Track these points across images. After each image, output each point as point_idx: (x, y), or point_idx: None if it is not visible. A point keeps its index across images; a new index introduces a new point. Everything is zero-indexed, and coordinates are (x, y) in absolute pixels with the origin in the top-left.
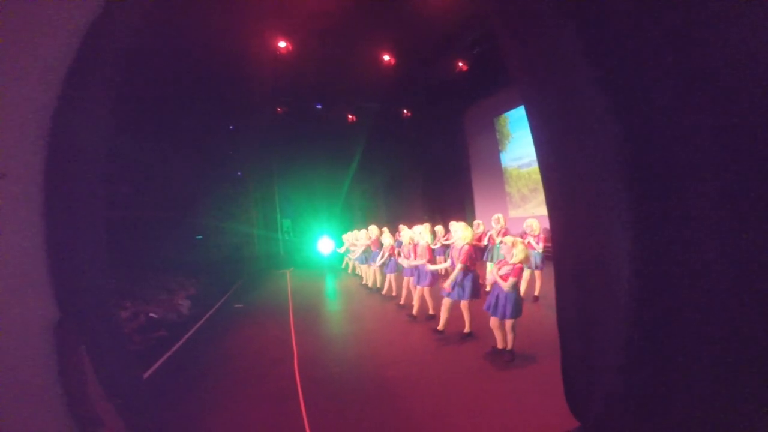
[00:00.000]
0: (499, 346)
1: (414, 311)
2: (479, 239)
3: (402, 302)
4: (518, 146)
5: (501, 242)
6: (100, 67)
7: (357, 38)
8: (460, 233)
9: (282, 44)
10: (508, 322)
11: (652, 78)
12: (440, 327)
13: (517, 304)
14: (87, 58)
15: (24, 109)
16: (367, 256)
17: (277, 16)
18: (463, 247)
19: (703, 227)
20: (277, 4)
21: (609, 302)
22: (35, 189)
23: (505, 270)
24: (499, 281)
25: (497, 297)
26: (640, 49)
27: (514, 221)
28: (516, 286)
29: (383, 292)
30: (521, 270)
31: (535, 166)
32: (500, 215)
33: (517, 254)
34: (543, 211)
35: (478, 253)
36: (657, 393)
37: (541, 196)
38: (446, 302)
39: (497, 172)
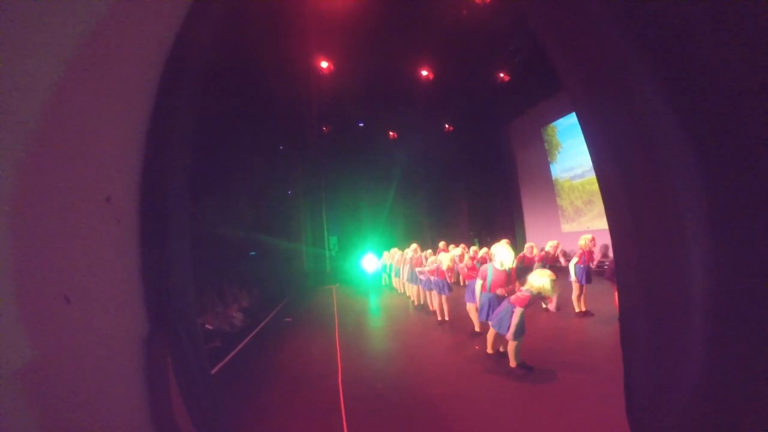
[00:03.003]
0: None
1: (477, 327)
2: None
3: (446, 318)
4: (570, 156)
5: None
6: (183, 89)
7: (395, 54)
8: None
9: (324, 64)
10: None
11: (725, 71)
12: (489, 350)
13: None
14: (172, 78)
15: (125, 130)
16: (413, 275)
17: (317, 37)
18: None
19: None
20: (316, 25)
21: (683, 318)
22: (133, 212)
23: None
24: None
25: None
26: (707, 39)
27: (567, 236)
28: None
29: (432, 312)
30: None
31: (590, 177)
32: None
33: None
34: (599, 224)
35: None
36: (734, 412)
37: (596, 209)
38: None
39: (548, 185)
